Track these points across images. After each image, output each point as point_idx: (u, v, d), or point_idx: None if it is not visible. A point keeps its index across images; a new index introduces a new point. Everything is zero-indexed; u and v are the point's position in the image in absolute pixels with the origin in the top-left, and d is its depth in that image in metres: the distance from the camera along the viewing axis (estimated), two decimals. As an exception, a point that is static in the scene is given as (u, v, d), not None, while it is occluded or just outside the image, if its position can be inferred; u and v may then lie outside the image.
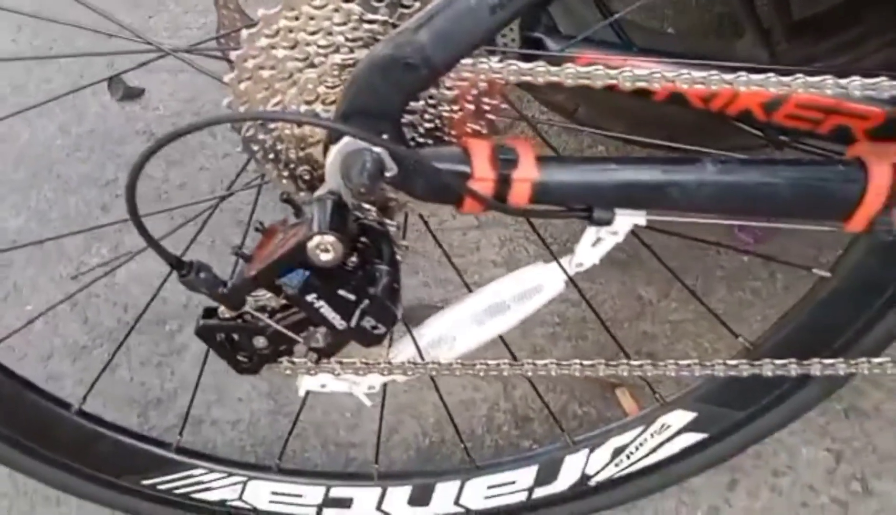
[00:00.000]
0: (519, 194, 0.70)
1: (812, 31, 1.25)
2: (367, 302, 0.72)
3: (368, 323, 0.73)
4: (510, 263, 1.37)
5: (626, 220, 0.80)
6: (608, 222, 0.74)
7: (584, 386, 1.23)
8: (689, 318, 1.29)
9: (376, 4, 0.68)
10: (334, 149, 0.67)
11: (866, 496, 1.11)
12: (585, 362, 0.89)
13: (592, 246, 0.83)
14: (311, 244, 0.67)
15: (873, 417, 1.18)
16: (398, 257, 0.76)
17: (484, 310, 0.89)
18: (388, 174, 0.68)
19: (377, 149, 0.67)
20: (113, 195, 1.48)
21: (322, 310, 0.71)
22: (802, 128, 0.85)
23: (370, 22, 0.68)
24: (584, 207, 0.74)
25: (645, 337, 1.28)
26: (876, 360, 0.86)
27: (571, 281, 0.87)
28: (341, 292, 0.71)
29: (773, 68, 0.74)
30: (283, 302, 0.74)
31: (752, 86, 0.73)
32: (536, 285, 0.88)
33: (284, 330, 0.74)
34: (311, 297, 0.70)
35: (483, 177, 0.69)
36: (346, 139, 0.67)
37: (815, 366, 0.85)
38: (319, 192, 0.70)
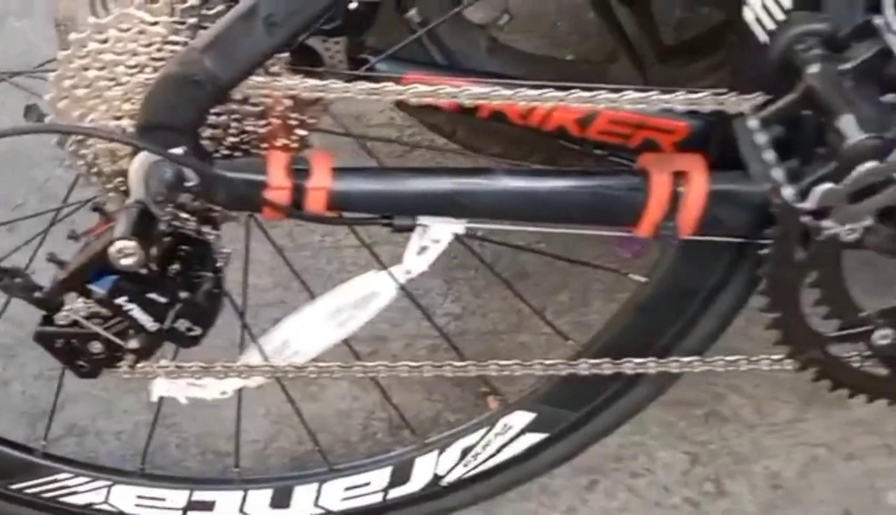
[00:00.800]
0: (315, 202, 0.75)
1: (683, 54, 1.32)
2: (180, 305, 0.77)
3: (183, 325, 0.78)
4: (398, 279, 1.42)
5: (446, 228, 0.85)
6: (409, 229, 0.80)
7: (458, 395, 1.27)
8: (564, 329, 1.34)
9: (179, 27, 0.74)
10: (136, 162, 0.72)
11: (718, 496, 1.17)
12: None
13: (418, 254, 0.89)
14: (112, 249, 0.72)
15: (732, 421, 1.24)
16: (219, 264, 0.81)
17: (324, 316, 0.95)
18: (188, 184, 0.73)
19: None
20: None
21: (132, 313, 0.76)
22: (615, 143, 0.91)
23: (173, 43, 0.74)
24: (384, 215, 0.79)
25: (521, 347, 1.33)
26: (685, 359, 0.91)
27: (403, 288, 0.92)
28: (153, 295, 0.76)
29: (579, 86, 0.79)
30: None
31: (548, 102, 0.79)
32: (371, 292, 0.94)
33: (107, 334, 0.79)
34: (120, 300, 0.75)
35: (279, 186, 0.74)
36: (145, 152, 0.72)
37: (627, 365, 0.91)
38: (128, 202, 0.75)
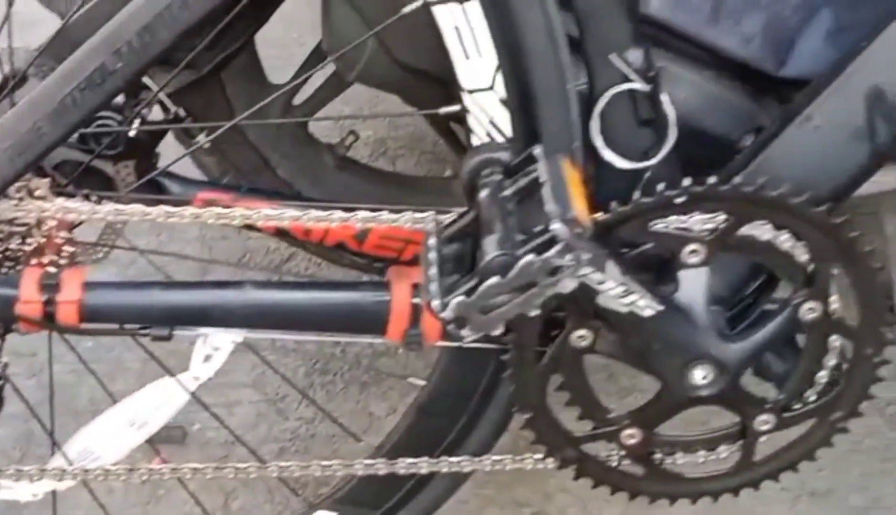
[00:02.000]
0: (66, 315, 0.82)
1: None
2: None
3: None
4: (258, 385, 1.48)
5: (225, 337, 0.92)
6: (167, 339, 0.86)
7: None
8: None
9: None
10: None
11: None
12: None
13: (204, 361, 0.95)
14: None
15: (560, 521, 1.28)
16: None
17: (122, 422, 1.00)
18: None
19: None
20: None
21: None
22: (390, 256, 0.98)
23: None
24: (142, 326, 0.86)
25: (369, 449, 1.38)
26: (454, 459, 0.97)
27: (192, 395, 0.98)
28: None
29: (316, 205, 0.87)
30: None
31: (291, 220, 0.86)
32: (165, 397, 0.99)
33: None
34: None
35: (29, 300, 0.81)
36: None
37: (400, 465, 0.96)
38: None
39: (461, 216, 0.74)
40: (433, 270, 0.69)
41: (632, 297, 0.81)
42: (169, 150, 1.12)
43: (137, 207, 0.86)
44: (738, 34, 0.98)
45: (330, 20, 1.05)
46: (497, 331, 0.70)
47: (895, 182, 1.36)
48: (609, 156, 0.84)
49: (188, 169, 1.33)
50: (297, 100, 1.35)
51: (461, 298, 0.67)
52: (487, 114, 0.83)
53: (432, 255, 0.70)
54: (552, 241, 0.67)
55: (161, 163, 1.02)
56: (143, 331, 0.85)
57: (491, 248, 0.66)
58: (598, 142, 0.84)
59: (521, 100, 0.82)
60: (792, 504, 1.30)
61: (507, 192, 0.70)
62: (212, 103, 1.23)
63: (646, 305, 0.82)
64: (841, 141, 0.84)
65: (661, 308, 0.83)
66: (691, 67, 1.02)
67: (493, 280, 0.66)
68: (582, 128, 0.84)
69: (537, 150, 0.72)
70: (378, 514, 1.06)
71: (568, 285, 0.68)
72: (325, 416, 1.43)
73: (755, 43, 0.99)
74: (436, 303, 0.68)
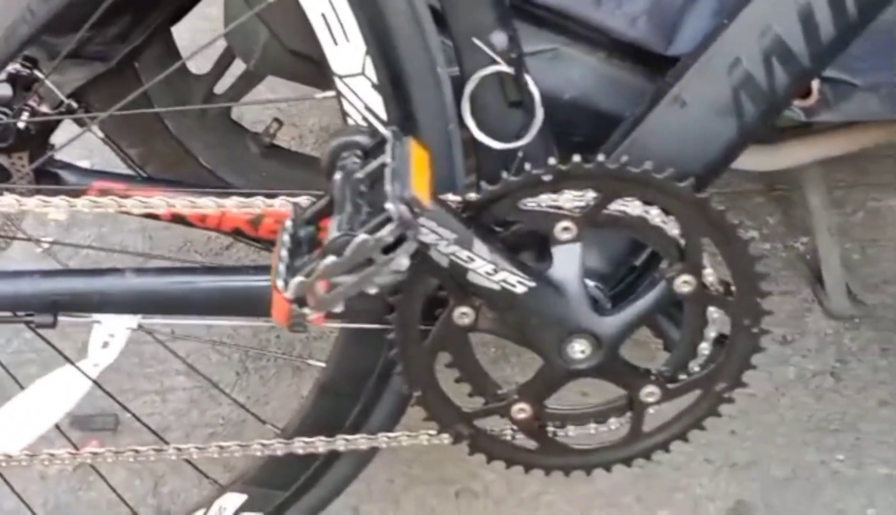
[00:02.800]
0: (-51, 303, 0.84)
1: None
2: None
3: None
4: (192, 372, 1.49)
5: (118, 323, 0.94)
6: (51, 326, 0.88)
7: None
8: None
9: None
10: None
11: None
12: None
13: (103, 347, 0.97)
14: None
15: (482, 497, 1.30)
16: None
17: (28, 409, 1.02)
18: None
19: None
20: None
21: None
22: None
23: None
24: (27, 314, 0.87)
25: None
26: (351, 437, 0.99)
27: (94, 382, 1.00)
28: None
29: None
30: None
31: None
32: (66, 384, 1.01)
33: None
34: None
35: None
36: None
37: (297, 445, 0.98)
38: None
39: (319, 199, 0.76)
40: (283, 251, 0.70)
41: (502, 275, 0.83)
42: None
43: (34, 199, 0.88)
44: (623, 15, 1.00)
45: (227, 8, 1.07)
46: (337, 309, 0.71)
47: (817, 155, 1.38)
48: (482, 137, 0.86)
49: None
50: (219, 89, 1.36)
51: (301, 278, 0.69)
52: (361, 99, 0.84)
53: (285, 237, 0.72)
54: (388, 221, 0.68)
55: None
56: (26, 318, 0.87)
57: (334, 229, 0.68)
58: (471, 123, 0.85)
59: (393, 85, 0.84)
60: (713, 475, 1.32)
61: (360, 175, 0.72)
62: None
63: (517, 282, 0.84)
64: (708, 118, 0.86)
65: (533, 284, 0.84)
66: (584, 49, 1.04)
67: (330, 259, 0.68)
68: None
69: (386, 132, 0.74)
70: (287, 495, 1.08)
71: (403, 263, 0.69)
72: (257, 400, 1.46)
73: (641, 23, 1.01)
74: (279, 283, 0.69)
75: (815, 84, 1.04)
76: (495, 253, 0.82)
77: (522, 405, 0.93)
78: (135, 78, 1.25)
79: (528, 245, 0.89)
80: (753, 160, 1.38)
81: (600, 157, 0.82)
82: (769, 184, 1.72)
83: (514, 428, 0.96)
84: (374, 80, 0.83)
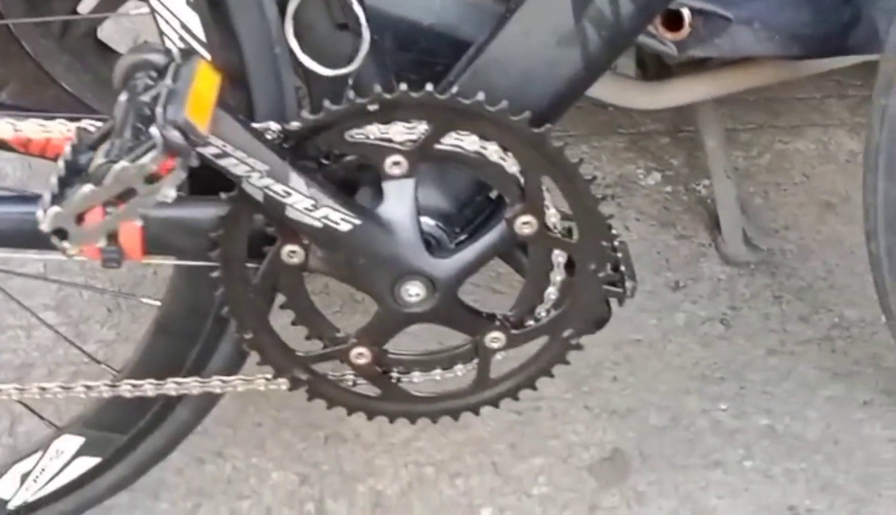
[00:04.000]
0: None
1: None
2: None
3: None
4: (61, 307, 1.43)
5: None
6: None
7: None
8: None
9: None
10: None
11: (319, 516, 1.19)
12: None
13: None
14: None
15: (350, 442, 1.26)
16: None
17: None
18: None
19: None
20: None
21: None
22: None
23: None
24: None
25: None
26: (183, 380, 0.93)
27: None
28: None
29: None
30: None
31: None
32: None
33: None
34: None
35: None
36: None
37: (125, 388, 0.93)
38: None
39: (105, 122, 0.69)
40: (53, 179, 0.64)
41: (323, 211, 0.78)
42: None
43: None
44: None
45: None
46: (100, 243, 0.65)
47: (709, 93, 1.33)
48: (306, 61, 0.80)
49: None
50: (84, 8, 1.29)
51: (57, 208, 0.63)
52: (177, 17, 0.78)
53: (60, 164, 0.65)
54: (153, 148, 0.62)
55: None
56: None
57: (101, 155, 0.62)
58: (295, 46, 0.79)
59: (209, 2, 0.77)
60: (591, 422, 1.29)
61: (145, 97, 0.66)
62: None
63: (341, 219, 0.78)
64: (551, 48, 0.80)
65: (358, 222, 0.79)
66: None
67: (87, 188, 0.62)
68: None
69: (174, 51, 0.67)
70: (126, 438, 1.03)
71: (169, 194, 0.64)
72: (126, 338, 1.40)
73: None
74: (38, 213, 0.63)
75: (687, 16, 0.99)
76: (314, 186, 0.76)
77: (361, 349, 0.88)
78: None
79: (367, 181, 0.83)
80: (645, 98, 1.33)
81: (429, 87, 0.76)
82: (675, 125, 1.67)
83: (355, 373, 0.91)
84: (188, -5, 0.77)
